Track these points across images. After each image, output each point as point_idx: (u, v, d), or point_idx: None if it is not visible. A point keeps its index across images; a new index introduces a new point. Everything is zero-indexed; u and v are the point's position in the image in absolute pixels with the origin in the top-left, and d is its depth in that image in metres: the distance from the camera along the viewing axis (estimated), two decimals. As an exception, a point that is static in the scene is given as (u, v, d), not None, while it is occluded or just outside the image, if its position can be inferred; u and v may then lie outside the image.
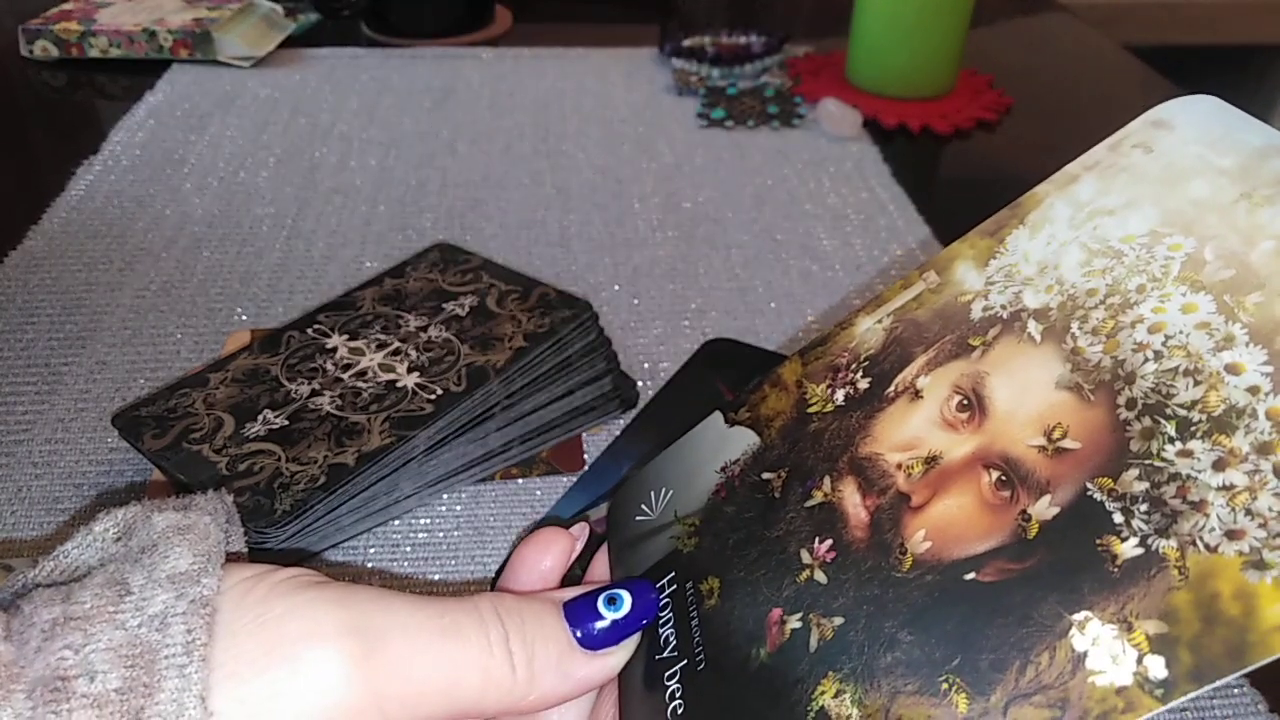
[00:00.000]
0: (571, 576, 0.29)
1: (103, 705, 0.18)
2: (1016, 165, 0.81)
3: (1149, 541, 0.20)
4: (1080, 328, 0.24)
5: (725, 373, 0.53)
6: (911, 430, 0.25)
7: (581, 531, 0.29)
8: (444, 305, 0.50)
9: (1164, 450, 0.21)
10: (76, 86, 0.89)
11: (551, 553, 0.28)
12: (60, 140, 0.81)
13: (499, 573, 0.42)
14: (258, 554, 0.39)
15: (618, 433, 0.49)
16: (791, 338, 0.57)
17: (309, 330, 0.49)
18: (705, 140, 0.81)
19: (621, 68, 0.94)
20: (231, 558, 0.23)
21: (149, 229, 0.66)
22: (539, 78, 0.91)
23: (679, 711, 0.24)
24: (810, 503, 0.26)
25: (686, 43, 0.94)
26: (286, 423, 0.43)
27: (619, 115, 0.85)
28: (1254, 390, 0.20)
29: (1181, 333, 0.22)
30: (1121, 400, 0.22)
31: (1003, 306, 0.26)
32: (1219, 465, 0.20)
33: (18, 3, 1.01)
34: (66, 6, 0.95)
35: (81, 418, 0.50)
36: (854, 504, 0.25)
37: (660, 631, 0.26)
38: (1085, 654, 0.19)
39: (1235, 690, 0.38)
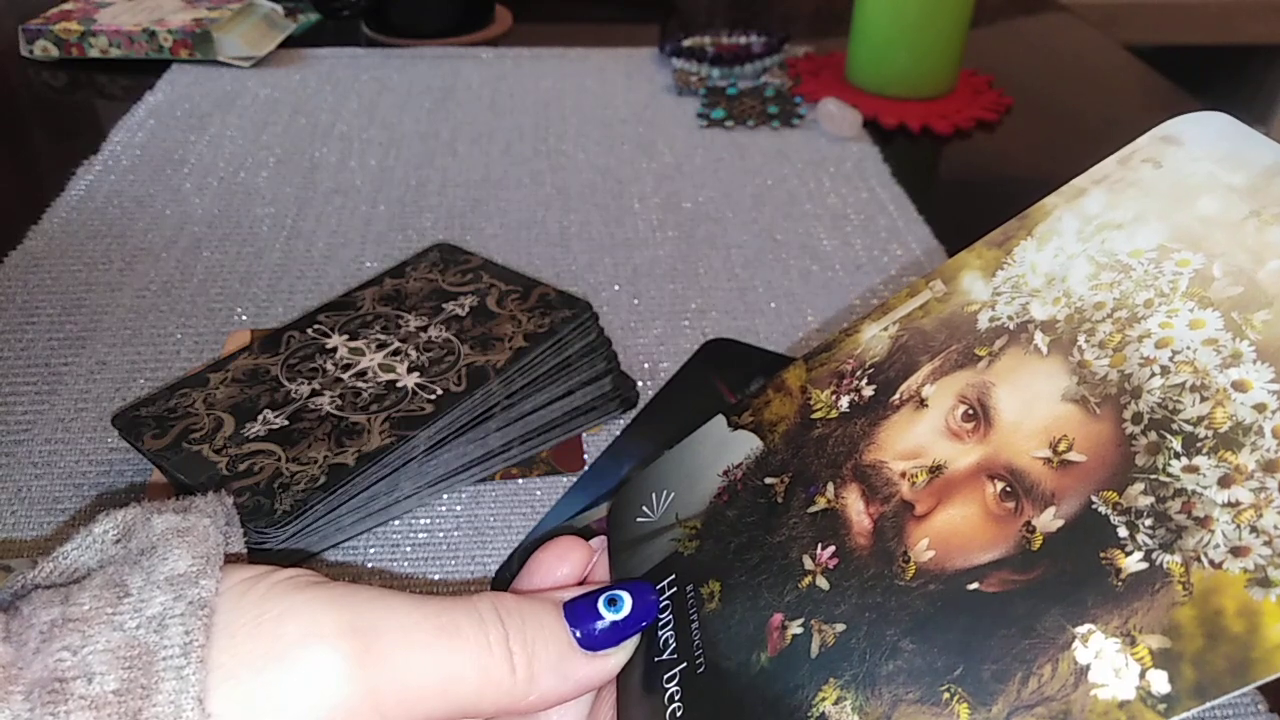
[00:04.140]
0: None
1: (100, 707, 0.18)
2: (1016, 165, 0.81)
3: (1153, 556, 0.20)
4: (1087, 341, 0.24)
5: (725, 372, 0.53)
6: (916, 439, 0.25)
7: (601, 544, 0.29)
8: (444, 305, 0.50)
9: (1170, 465, 0.21)
10: (76, 86, 0.89)
11: (569, 560, 0.28)
12: (60, 140, 0.81)
13: (498, 573, 0.42)
14: (257, 554, 0.39)
15: (618, 433, 0.49)
16: (791, 338, 0.57)
17: (309, 330, 0.49)
18: (705, 140, 0.80)
19: (621, 68, 0.94)
20: (231, 559, 0.23)
21: (149, 229, 0.66)
22: (539, 78, 0.91)
23: (678, 714, 0.24)
24: (813, 509, 0.26)
25: (686, 43, 0.93)
26: (286, 423, 0.43)
27: (619, 115, 0.85)
28: (1261, 407, 0.20)
29: (1189, 348, 0.22)
30: (1128, 414, 0.22)
31: (1009, 318, 0.26)
32: (1224, 481, 0.20)
33: (18, 3, 1.01)
34: (66, 6, 0.95)
35: (81, 418, 0.50)
36: (857, 511, 0.25)
37: (660, 634, 0.26)
38: (1088, 667, 0.19)
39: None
